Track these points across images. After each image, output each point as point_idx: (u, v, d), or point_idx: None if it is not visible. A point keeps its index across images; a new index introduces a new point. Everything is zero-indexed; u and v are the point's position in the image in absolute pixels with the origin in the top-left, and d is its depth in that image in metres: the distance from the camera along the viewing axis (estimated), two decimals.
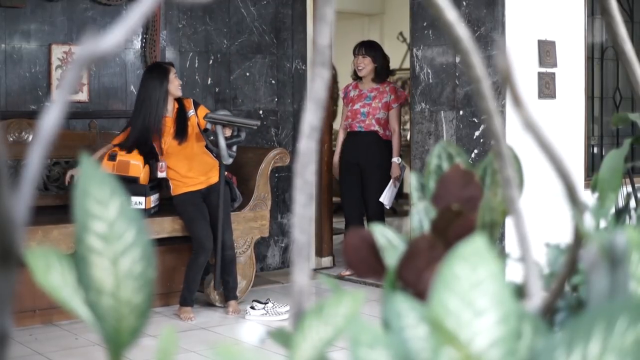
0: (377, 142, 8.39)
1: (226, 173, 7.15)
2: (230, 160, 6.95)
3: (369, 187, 8.40)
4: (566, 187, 0.92)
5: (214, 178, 7.06)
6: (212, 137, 6.91)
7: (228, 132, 6.97)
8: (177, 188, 7.07)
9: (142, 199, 6.92)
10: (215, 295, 7.24)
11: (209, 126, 6.91)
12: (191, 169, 7.05)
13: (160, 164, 7.02)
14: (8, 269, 0.67)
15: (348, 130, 8.57)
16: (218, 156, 6.95)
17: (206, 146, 7.03)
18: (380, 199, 8.32)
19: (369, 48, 8.65)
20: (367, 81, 8.55)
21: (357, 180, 8.47)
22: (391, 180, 8.32)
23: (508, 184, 0.91)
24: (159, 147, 6.98)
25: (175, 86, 7.01)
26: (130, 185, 6.83)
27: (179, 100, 7.08)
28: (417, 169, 7.41)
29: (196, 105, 7.15)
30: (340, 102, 15.33)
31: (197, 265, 6.96)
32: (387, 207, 8.56)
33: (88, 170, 0.84)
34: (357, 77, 8.74)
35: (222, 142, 6.86)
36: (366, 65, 8.53)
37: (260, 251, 8.51)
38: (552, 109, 7.43)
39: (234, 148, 6.99)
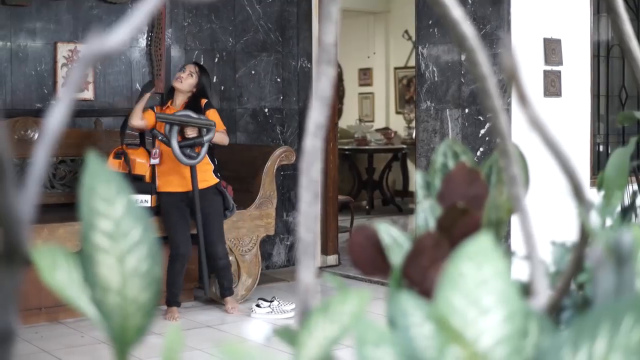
0: None
1: (221, 182, 7.11)
2: (188, 162, 6.77)
3: None
4: (572, 185, 0.92)
5: (206, 183, 6.97)
6: (160, 137, 6.80)
7: (192, 133, 6.84)
8: (162, 185, 6.98)
9: (148, 197, 6.90)
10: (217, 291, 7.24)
11: (166, 127, 6.80)
12: (178, 168, 6.92)
13: (154, 150, 6.97)
14: (14, 267, 0.67)
15: None
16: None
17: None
18: None
19: None
20: None
21: None
22: None
23: (513, 182, 0.91)
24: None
25: (175, 79, 7.01)
26: (136, 183, 6.81)
27: (196, 96, 7.05)
28: (422, 167, 7.41)
29: (207, 107, 6.98)
30: (346, 100, 15.38)
31: (174, 271, 6.85)
32: None
33: (94, 168, 0.84)
34: None
35: (174, 143, 6.73)
36: None
37: (265, 249, 8.51)
38: (557, 107, 7.43)
39: (202, 150, 6.79)
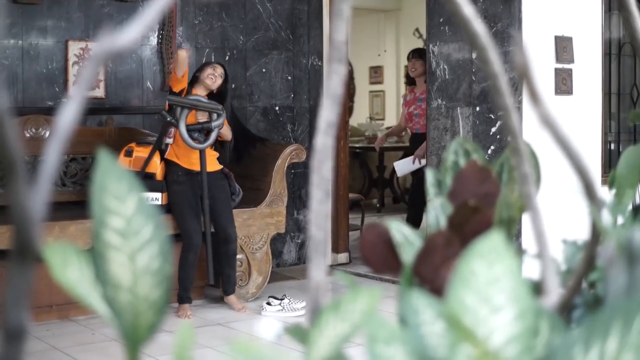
0: None
1: (224, 169, 7.18)
2: (195, 146, 6.83)
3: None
4: (583, 183, 0.92)
5: (212, 166, 7.04)
6: (169, 119, 6.85)
7: (203, 118, 6.92)
8: (171, 163, 7.02)
9: (158, 194, 6.91)
10: None
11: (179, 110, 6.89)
12: (188, 150, 6.96)
13: (170, 130, 7.00)
14: (26, 265, 0.67)
15: (411, 132, 9.28)
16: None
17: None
18: (394, 163, 8.90)
19: (422, 53, 9.13)
20: (421, 84, 8.99)
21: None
22: (413, 155, 8.76)
23: (525, 180, 0.91)
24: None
25: (205, 75, 7.03)
26: (147, 181, 6.82)
27: (214, 97, 7.06)
28: (433, 165, 7.41)
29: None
30: (357, 98, 15.37)
31: (187, 263, 6.87)
32: (398, 175, 9.12)
33: (105, 166, 0.84)
34: (409, 82, 9.56)
35: (182, 126, 6.80)
36: (417, 67, 9.06)
37: (276, 247, 8.51)
38: (568, 105, 7.41)
39: (211, 135, 6.89)
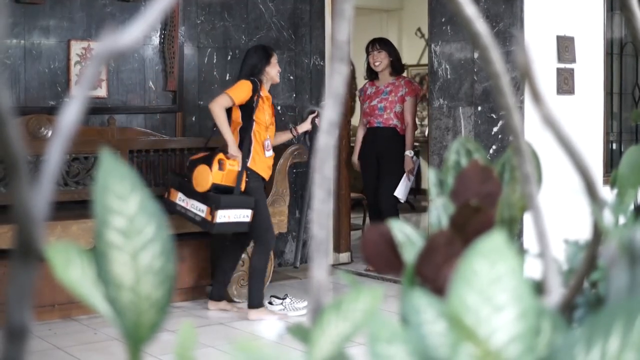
0: (394, 137, 8.46)
1: None
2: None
3: (383, 181, 8.45)
4: (585, 183, 0.92)
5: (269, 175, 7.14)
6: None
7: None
8: (262, 172, 6.94)
9: (249, 212, 6.77)
10: (234, 290, 7.25)
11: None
12: (272, 160, 7.06)
13: (267, 142, 6.96)
14: (28, 264, 0.68)
15: (367, 126, 8.68)
16: (310, 141, 7.17)
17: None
18: (395, 193, 8.37)
19: (382, 43, 8.77)
20: (384, 76, 8.64)
21: (376, 174, 8.55)
22: (405, 174, 8.36)
23: (527, 180, 0.91)
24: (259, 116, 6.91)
25: (276, 71, 7.00)
26: (239, 196, 6.74)
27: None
28: (435, 165, 7.41)
29: None
30: None
31: (267, 261, 6.97)
32: (402, 201, 8.53)
33: (108, 166, 0.84)
34: (371, 77, 8.84)
35: None
36: (382, 59, 8.62)
37: (278, 247, 8.51)
38: (570, 104, 7.41)
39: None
